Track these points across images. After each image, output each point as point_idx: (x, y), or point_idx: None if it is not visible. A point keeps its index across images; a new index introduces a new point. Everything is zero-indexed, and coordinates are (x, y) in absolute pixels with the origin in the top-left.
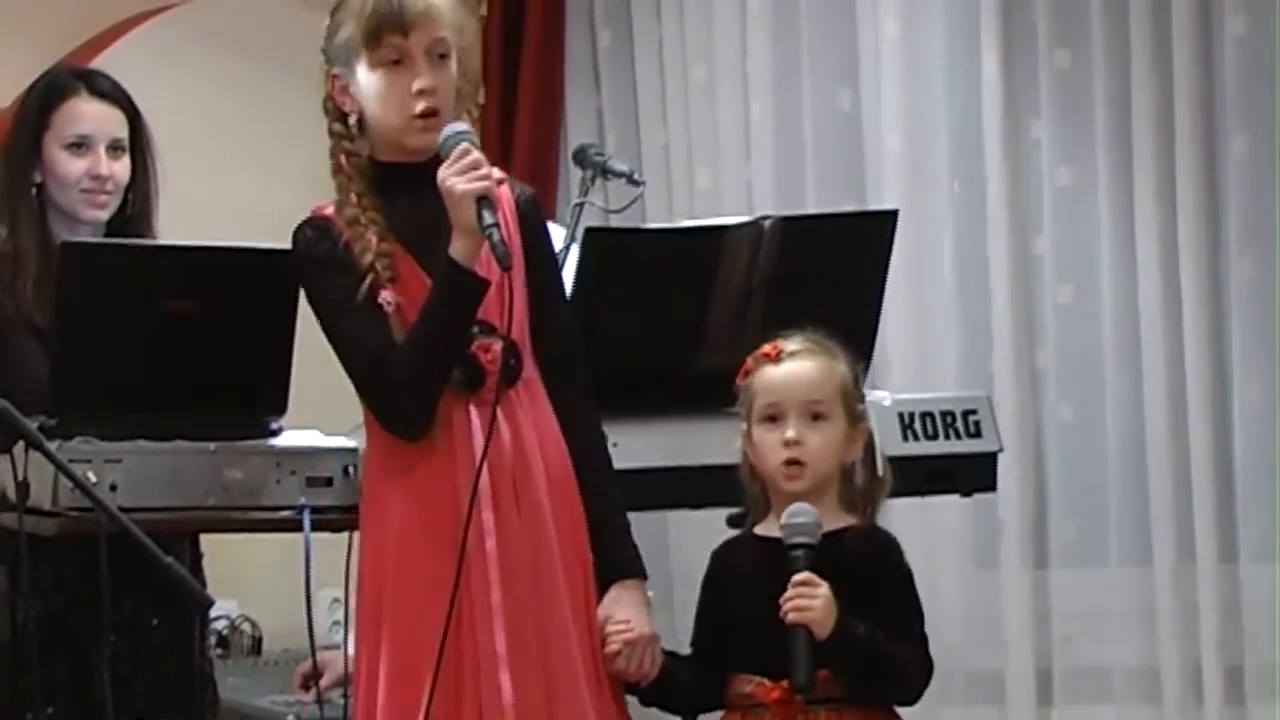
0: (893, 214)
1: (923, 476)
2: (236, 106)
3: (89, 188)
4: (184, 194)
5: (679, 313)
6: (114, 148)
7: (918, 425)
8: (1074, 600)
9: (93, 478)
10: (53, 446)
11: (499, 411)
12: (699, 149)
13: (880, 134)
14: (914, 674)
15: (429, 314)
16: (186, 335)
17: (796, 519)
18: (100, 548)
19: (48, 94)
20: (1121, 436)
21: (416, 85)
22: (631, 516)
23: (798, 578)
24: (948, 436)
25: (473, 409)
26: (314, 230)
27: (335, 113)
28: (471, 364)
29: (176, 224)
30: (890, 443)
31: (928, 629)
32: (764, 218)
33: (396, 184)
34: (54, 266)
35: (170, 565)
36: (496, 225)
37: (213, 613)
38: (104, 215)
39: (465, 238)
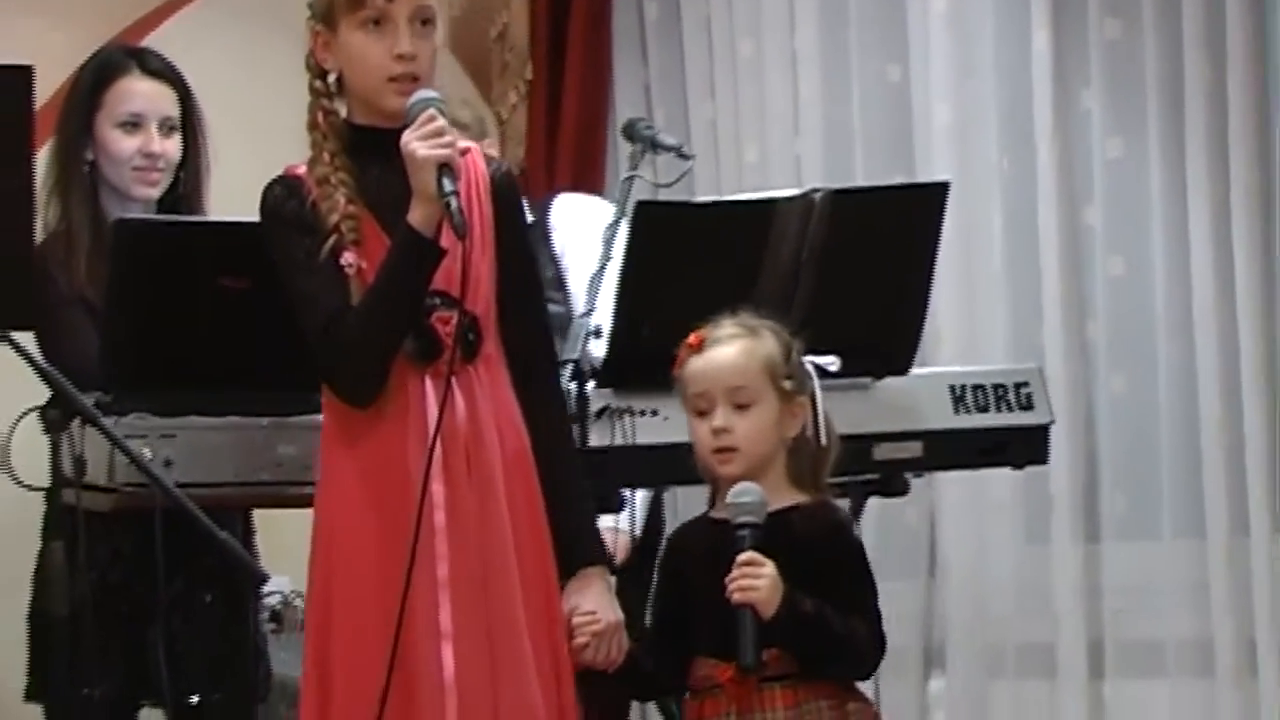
0: (944, 186)
1: (975, 450)
2: (286, 83)
3: (141, 165)
4: (234, 171)
5: (729, 286)
6: (165, 126)
7: (969, 398)
8: (1126, 574)
9: (148, 453)
10: (109, 423)
11: (455, 385)
12: (747, 123)
13: (929, 107)
14: (865, 649)
15: (383, 278)
16: (239, 310)
17: (741, 499)
18: (156, 523)
19: (100, 73)
20: (1173, 408)
21: (398, 49)
22: (683, 490)
23: (742, 557)
24: (999, 409)
25: (428, 380)
26: (283, 188)
27: (316, 69)
28: (428, 334)
29: (226, 201)
30: (941, 416)
31: (975, 603)
32: (814, 190)
33: (369, 148)
34: (107, 244)
35: (225, 540)
36: (455, 194)
37: (266, 588)
38: (155, 193)
39: (424, 204)
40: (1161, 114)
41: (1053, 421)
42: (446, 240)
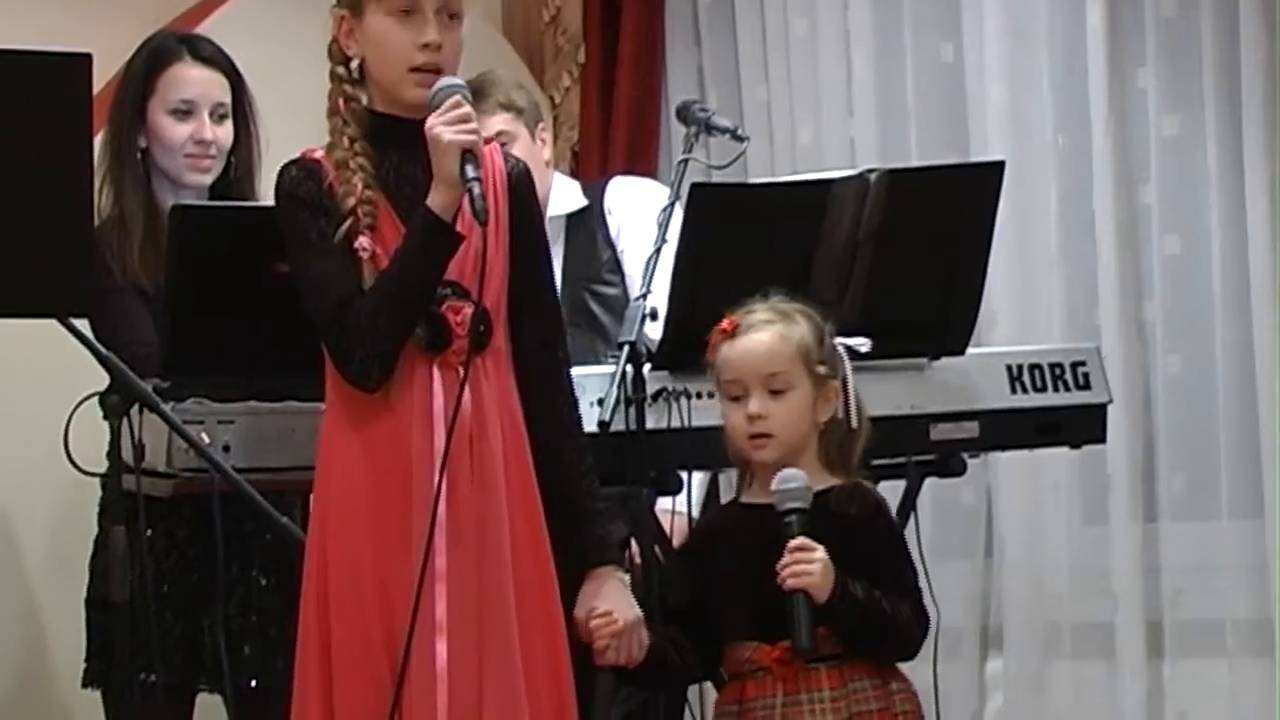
0: (999, 165)
1: (1031, 429)
2: None
3: (193, 152)
4: (285, 158)
5: (785, 267)
6: (217, 112)
7: (1026, 378)
8: (1184, 554)
9: (206, 439)
10: (168, 408)
11: (463, 376)
12: (800, 105)
13: (983, 86)
14: (911, 629)
15: (398, 263)
16: (294, 296)
17: (787, 485)
18: (215, 508)
19: (152, 60)
20: (1231, 388)
21: (424, 38)
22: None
23: (794, 543)
24: (1056, 389)
25: (436, 370)
26: (300, 170)
27: (339, 55)
28: (439, 324)
29: None
30: (998, 396)
31: (1032, 583)
32: (870, 171)
33: (389, 137)
34: (159, 230)
35: (285, 524)
36: (478, 180)
37: None
38: (208, 179)
39: (445, 189)
40: (1217, 92)
41: (1110, 401)
42: (463, 228)
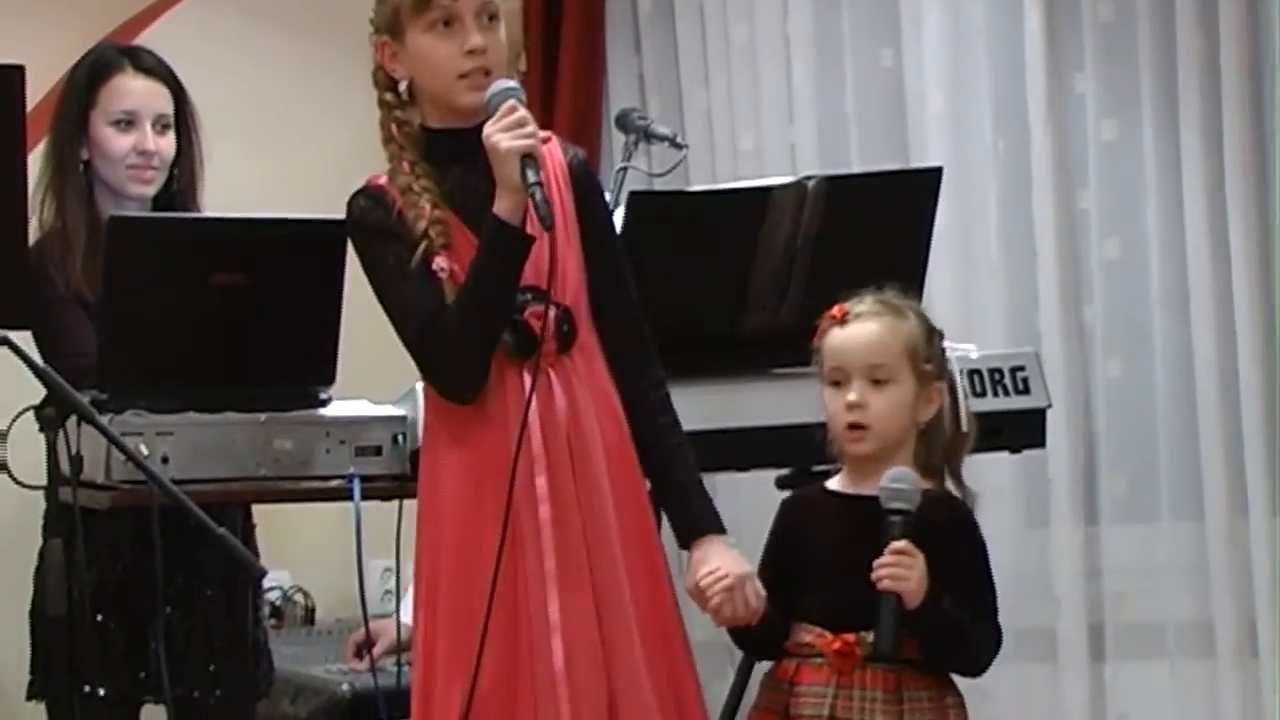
0: (937, 171)
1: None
2: (279, 80)
3: (135, 163)
4: (228, 168)
5: (724, 275)
6: (160, 123)
7: (966, 383)
8: (1126, 556)
9: (145, 450)
10: (105, 420)
11: (554, 377)
12: (741, 111)
13: (923, 92)
14: (986, 651)
15: (475, 274)
16: (234, 307)
17: (897, 484)
18: (154, 520)
19: (93, 71)
20: (1171, 390)
21: (468, 45)
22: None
23: (896, 545)
24: (996, 394)
25: (526, 376)
26: (367, 199)
27: (385, 81)
28: (523, 329)
29: (220, 198)
30: None
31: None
32: (808, 178)
33: (448, 150)
34: (102, 242)
35: (224, 536)
36: (540, 184)
37: (266, 583)
38: (150, 191)
39: (510, 195)
40: (1155, 96)
41: (1050, 405)
42: (532, 232)
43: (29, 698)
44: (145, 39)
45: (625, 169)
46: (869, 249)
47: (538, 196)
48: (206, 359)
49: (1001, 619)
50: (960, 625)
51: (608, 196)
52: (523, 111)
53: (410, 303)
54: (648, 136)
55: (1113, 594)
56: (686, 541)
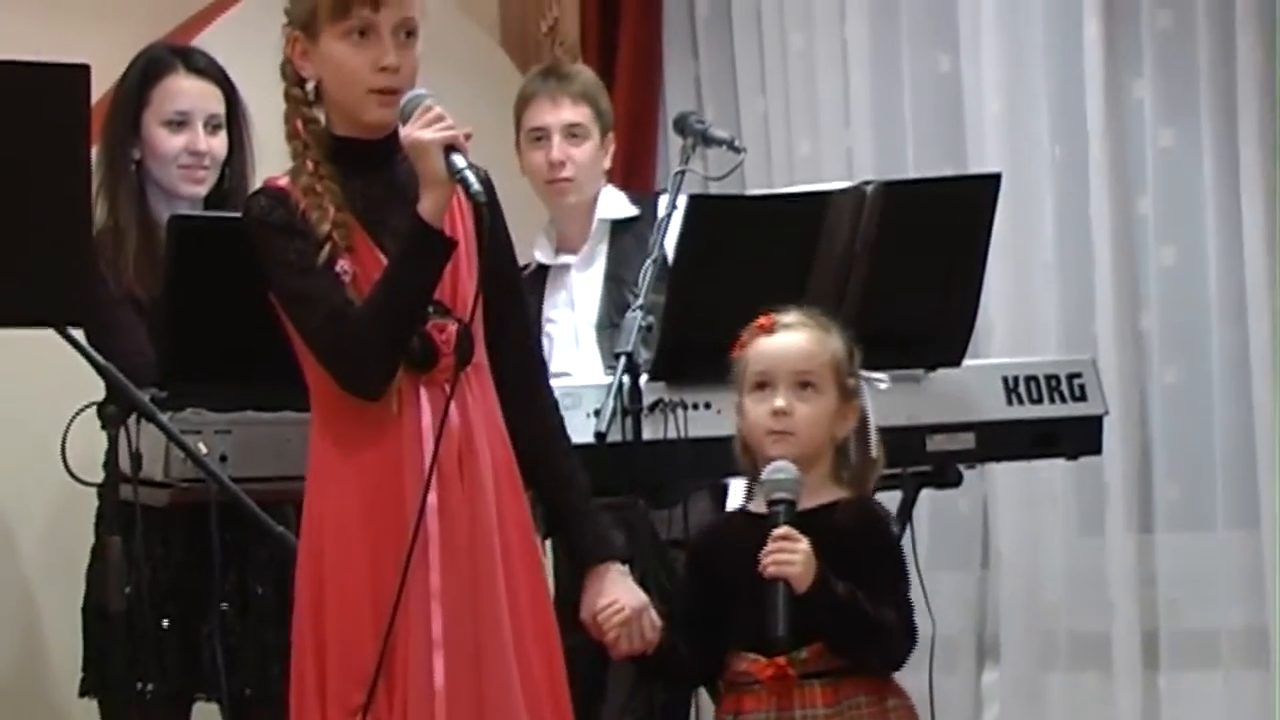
0: (996, 178)
1: (1027, 440)
2: None
3: (187, 163)
4: (278, 169)
5: (781, 279)
6: (211, 124)
7: (1022, 389)
8: (1180, 564)
9: (203, 448)
10: (164, 418)
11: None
12: (798, 117)
13: (980, 97)
14: (895, 637)
15: (394, 272)
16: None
17: (776, 475)
18: (211, 518)
19: (146, 72)
20: (1227, 398)
21: (383, 61)
22: (739, 481)
23: (777, 532)
24: (1052, 400)
25: (423, 389)
26: (268, 198)
27: (294, 77)
28: (426, 342)
29: None
30: (994, 407)
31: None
32: (866, 183)
33: (350, 159)
34: (154, 241)
35: (282, 534)
36: (469, 167)
37: None
38: (201, 190)
39: (434, 191)
40: (1213, 103)
41: (1106, 412)
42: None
43: (82, 694)
44: (199, 41)
45: (683, 172)
46: (926, 254)
47: (468, 178)
48: (264, 358)
49: (1054, 625)
50: (860, 610)
51: (665, 199)
52: (439, 109)
53: (317, 295)
54: (705, 140)
55: (1167, 602)
56: (582, 569)
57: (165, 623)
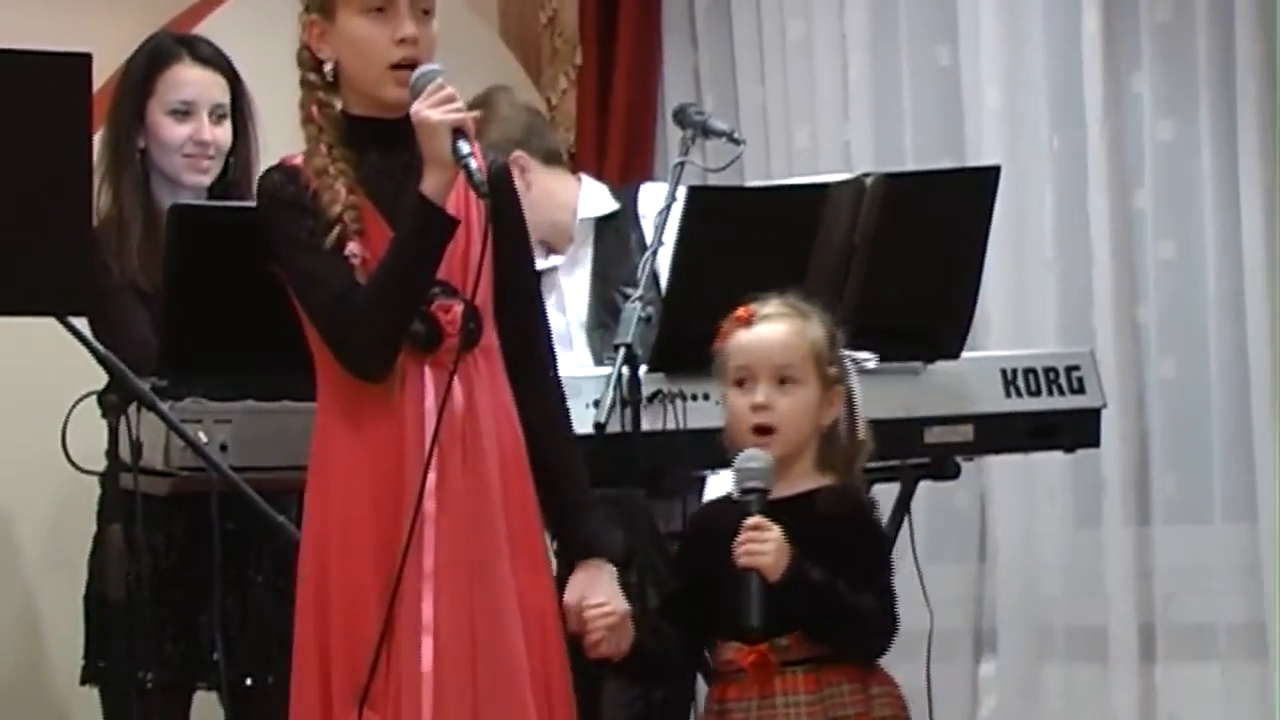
0: (995, 170)
1: (1025, 433)
2: None
3: (191, 153)
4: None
5: (780, 271)
6: (216, 113)
7: (1020, 382)
8: (1177, 557)
9: (204, 437)
10: (165, 407)
11: (455, 375)
12: (797, 108)
13: (980, 90)
14: (874, 623)
15: (395, 251)
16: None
17: (748, 464)
18: (212, 507)
19: (151, 60)
20: (1224, 391)
21: (400, 33)
22: (718, 476)
23: (749, 522)
24: (1050, 393)
25: (428, 370)
26: (281, 175)
27: (311, 62)
28: (431, 323)
29: None
30: (992, 399)
31: (1026, 586)
32: (866, 175)
33: (367, 139)
34: (157, 230)
35: (283, 524)
36: (473, 155)
37: None
38: (206, 180)
39: (438, 171)
40: (1212, 96)
41: (1104, 405)
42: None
43: (83, 682)
44: (203, 29)
45: (682, 164)
46: (926, 247)
47: (471, 166)
48: (264, 347)
49: (1052, 618)
50: (834, 596)
51: (645, 189)
52: (451, 89)
53: (324, 274)
54: (705, 131)
55: (1164, 594)
56: (575, 559)
57: (164, 611)
